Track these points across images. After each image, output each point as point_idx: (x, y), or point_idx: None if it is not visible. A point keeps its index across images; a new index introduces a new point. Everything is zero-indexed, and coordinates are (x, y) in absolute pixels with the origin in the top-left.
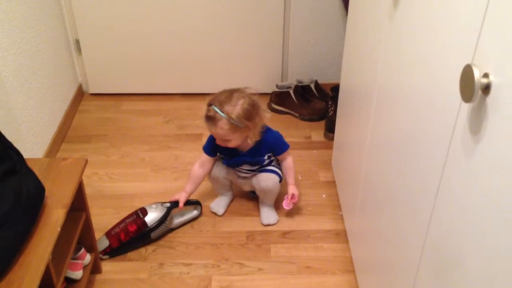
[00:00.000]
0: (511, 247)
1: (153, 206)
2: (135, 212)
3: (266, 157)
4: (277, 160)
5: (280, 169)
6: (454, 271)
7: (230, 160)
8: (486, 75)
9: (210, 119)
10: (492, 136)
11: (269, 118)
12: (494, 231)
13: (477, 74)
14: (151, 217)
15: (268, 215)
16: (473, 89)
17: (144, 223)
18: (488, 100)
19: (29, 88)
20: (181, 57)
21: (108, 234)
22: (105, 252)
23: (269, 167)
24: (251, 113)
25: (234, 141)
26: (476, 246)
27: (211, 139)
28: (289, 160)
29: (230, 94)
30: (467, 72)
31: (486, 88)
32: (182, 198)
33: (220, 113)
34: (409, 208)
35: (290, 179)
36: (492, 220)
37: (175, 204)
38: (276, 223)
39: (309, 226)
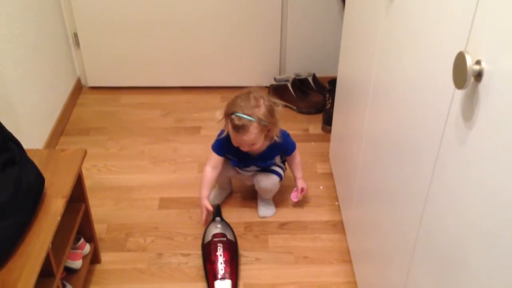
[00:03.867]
0: (504, 231)
1: (218, 226)
2: (213, 245)
3: (275, 159)
4: (281, 158)
5: (282, 168)
6: (448, 259)
7: (239, 162)
8: (478, 62)
9: (240, 127)
10: (484, 122)
11: (280, 111)
12: (487, 216)
13: (469, 61)
14: (226, 231)
15: (265, 208)
16: (466, 76)
17: (230, 241)
18: (480, 87)
19: (28, 81)
20: (179, 50)
21: (219, 277)
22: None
23: (271, 167)
24: (273, 108)
25: (259, 144)
26: (470, 232)
27: (223, 141)
28: (297, 158)
29: (246, 97)
30: (460, 60)
31: (478, 75)
32: (205, 203)
33: (249, 118)
34: (404, 198)
35: (299, 173)
36: (485, 205)
37: (217, 213)
38: (272, 216)
39: (306, 217)
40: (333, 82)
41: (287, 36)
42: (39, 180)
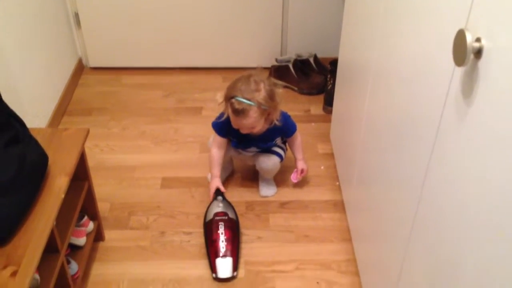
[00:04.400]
0: (504, 205)
1: (220, 205)
2: (215, 223)
3: (275, 141)
4: (282, 139)
5: (283, 148)
6: (446, 236)
7: (240, 143)
8: (478, 40)
9: (240, 111)
10: (483, 98)
11: (281, 94)
12: (486, 192)
13: (469, 38)
14: (228, 210)
15: (267, 187)
16: (466, 53)
17: (231, 220)
18: (480, 64)
19: (30, 61)
20: (181, 31)
21: (221, 254)
22: (235, 269)
23: (272, 148)
24: (274, 92)
25: (258, 127)
26: (468, 209)
27: (225, 123)
28: (298, 139)
29: (246, 80)
30: (460, 37)
31: (478, 52)
32: (219, 185)
33: (249, 102)
34: (403, 176)
35: (299, 154)
36: (484, 181)
37: (219, 193)
38: (273, 195)
39: (307, 197)
40: (334, 62)
41: (288, 17)
42: (43, 158)
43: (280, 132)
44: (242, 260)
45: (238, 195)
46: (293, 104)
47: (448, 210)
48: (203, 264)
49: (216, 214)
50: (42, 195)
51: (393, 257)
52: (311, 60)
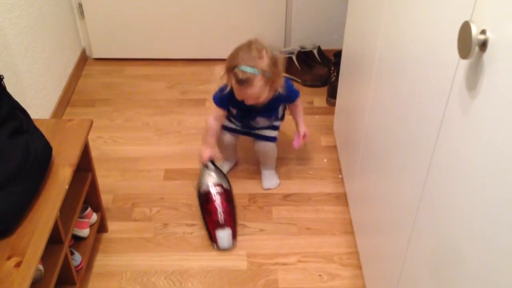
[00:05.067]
0: (507, 196)
1: (212, 174)
2: (209, 195)
3: (280, 109)
4: (284, 106)
5: (275, 128)
6: (450, 229)
7: (244, 116)
8: (483, 32)
9: (244, 81)
10: (488, 91)
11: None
12: (489, 184)
13: (474, 30)
14: (221, 181)
15: (269, 180)
16: (470, 45)
17: (227, 190)
18: (484, 57)
19: (34, 52)
20: (184, 22)
21: (220, 226)
22: (234, 238)
23: (266, 132)
24: (276, 58)
25: (264, 96)
26: (472, 201)
27: (227, 96)
28: (300, 105)
29: (248, 48)
30: (465, 29)
31: (483, 45)
32: (213, 153)
33: (253, 70)
34: (407, 169)
35: (301, 119)
36: (488, 174)
37: (212, 161)
38: (276, 188)
39: (310, 189)
40: (338, 54)
41: (292, 9)
42: (47, 148)
43: (284, 99)
44: (244, 252)
45: (241, 187)
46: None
47: (452, 202)
48: (206, 255)
49: (211, 185)
50: (46, 186)
51: (396, 249)
52: (315, 52)
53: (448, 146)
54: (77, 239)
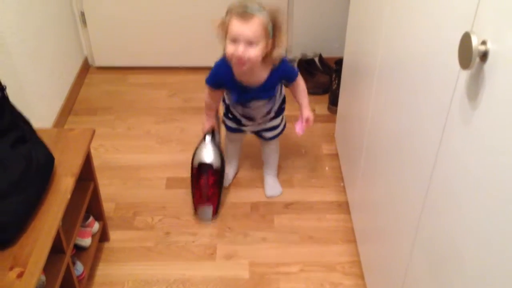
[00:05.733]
0: (508, 205)
1: (203, 149)
2: (200, 170)
3: (277, 90)
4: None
5: (281, 119)
6: (452, 238)
7: (239, 96)
8: (484, 43)
9: (245, 14)
10: (489, 102)
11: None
12: (491, 194)
13: (475, 41)
14: (214, 160)
15: (272, 187)
16: (471, 56)
17: (215, 170)
18: (485, 67)
19: (36, 60)
20: (186, 30)
21: (203, 202)
22: (214, 214)
23: (272, 124)
24: (278, 19)
25: (256, 49)
26: (473, 209)
27: (217, 66)
28: (301, 85)
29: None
30: (466, 40)
31: (484, 55)
32: (214, 123)
33: (257, 9)
34: (409, 178)
35: (304, 100)
36: (490, 183)
37: (213, 132)
38: (279, 195)
39: (312, 198)
40: (339, 62)
41: (293, 17)
42: (49, 158)
43: (281, 75)
44: (246, 261)
45: (243, 195)
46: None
47: (454, 212)
48: (208, 265)
49: (203, 161)
50: (48, 196)
51: (398, 258)
52: (316, 59)
53: (450, 156)
54: (79, 248)
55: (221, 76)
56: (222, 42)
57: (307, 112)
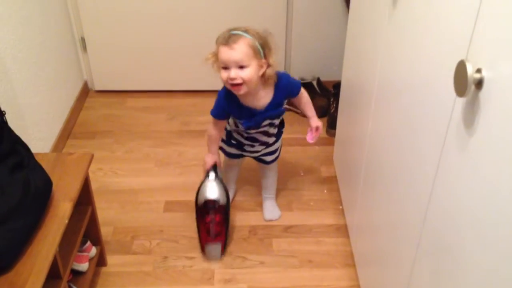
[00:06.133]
0: (506, 233)
1: (208, 186)
2: (206, 207)
3: (283, 104)
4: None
5: (280, 142)
6: (450, 262)
7: (250, 120)
8: (479, 71)
9: (230, 38)
10: (485, 129)
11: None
12: (489, 219)
13: (470, 69)
14: (219, 196)
15: (270, 211)
16: (467, 84)
17: (221, 207)
18: (481, 95)
19: (35, 85)
20: (185, 54)
21: (211, 240)
22: (223, 252)
23: (272, 148)
24: (266, 38)
25: (249, 70)
26: (471, 236)
27: (221, 98)
28: (305, 95)
29: (237, 27)
30: (461, 68)
31: (479, 83)
32: (217, 159)
33: (242, 32)
34: (407, 202)
35: (310, 112)
36: (486, 209)
37: (215, 168)
38: (278, 219)
39: (310, 221)
40: (337, 86)
41: (292, 40)
42: (47, 183)
43: (286, 90)
44: (245, 286)
45: (241, 219)
46: (296, 127)
47: (452, 236)
48: None
49: (208, 199)
50: (46, 221)
51: (398, 282)
52: (314, 83)
53: (447, 179)
54: (76, 273)
55: (227, 105)
56: (218, 72)
57: (315, 122)
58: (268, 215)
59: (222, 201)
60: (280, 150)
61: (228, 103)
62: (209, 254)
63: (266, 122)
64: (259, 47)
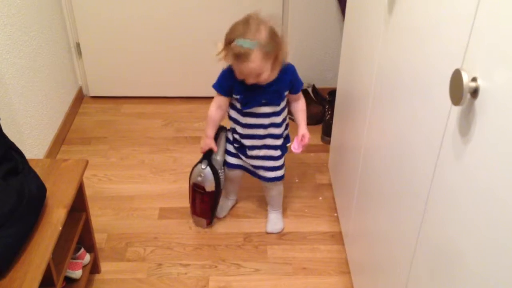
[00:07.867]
0: (502, 241)
1: (197, 173)
2: (194, 191)
3: (284, 97)
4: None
5: (283, 160)
6: (446, 269)
7: (247, 101)
8: (474, 79)
9: (241, 55)
10: (480, 137)
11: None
12: (485, 227)
13: (465, 78)
14: (208, 184)
15: (273, 223)
16: (462, 92)
17: (209, 193)
18: (476, 103)
19: (30, 91)
20: (180, 60)
21: (197, 215)
22: (208, 225)
23: (270, 163)
24: (275, 31)
25: (265, 73)
26: (467, 244)
27: (225, 74)
28: (303, 101)
29: (245, 23)
30: (457, 77)
31: (474, 92)
32: (212, 144)
33: (251, 44)
34: (402, 210)
35: (302, 120)
36: (482, 217)
37: (210, 153)
38: (280, 232)
39: (305, 228)
40: (332, 93)
41: (287, 47)
42: (41, 190)
43: (289, 83)
44: None
45: (236, 226)
46: (291, 134)
47: (448, 244)
48: None
49: (195, 185)
50: (39, 227)
51: None
52: (310, 90)
53: (443, 189)
54: (70, 281)
55: (230, 77)
56: (228, 63)
57: (303, 129)
58: (270, 228)
59: (209, 188)
60: (284, 169)
61: (231, 75)
62: (195, 223)
63: (266, 109)
64: (268, 49)
